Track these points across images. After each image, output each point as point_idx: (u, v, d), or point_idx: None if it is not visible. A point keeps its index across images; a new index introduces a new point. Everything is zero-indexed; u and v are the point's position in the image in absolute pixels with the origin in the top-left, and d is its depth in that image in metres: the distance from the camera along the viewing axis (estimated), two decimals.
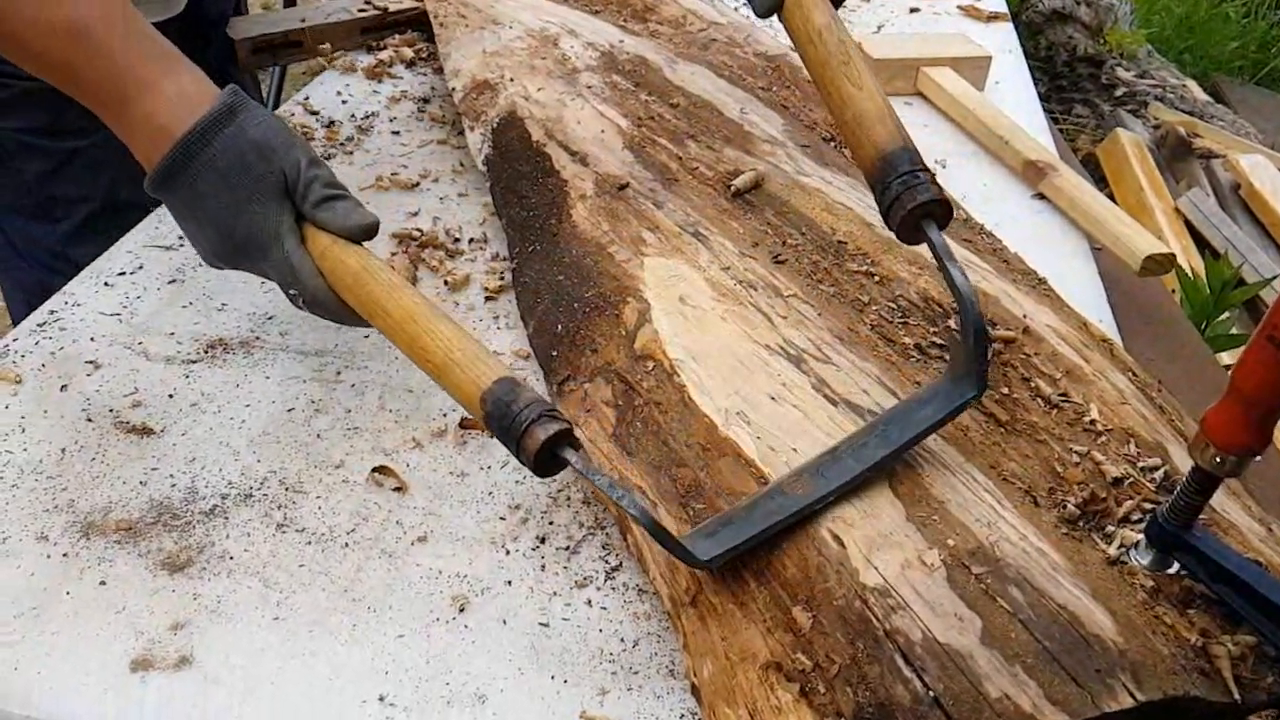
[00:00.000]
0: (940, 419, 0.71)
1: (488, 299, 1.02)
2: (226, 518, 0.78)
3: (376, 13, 1.52)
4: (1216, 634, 0.64)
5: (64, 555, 0.75)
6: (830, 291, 0.90)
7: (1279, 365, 0.57)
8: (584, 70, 1.21)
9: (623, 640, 0.71)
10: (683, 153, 1.07)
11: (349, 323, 0.77)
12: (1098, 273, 1.18)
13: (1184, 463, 0.77)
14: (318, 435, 0.85)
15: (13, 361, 0.92)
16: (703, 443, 0.77)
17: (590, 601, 0.73)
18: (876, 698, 0.61)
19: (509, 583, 0.74)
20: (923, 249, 0.91)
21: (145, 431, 0.85)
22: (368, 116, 1.34)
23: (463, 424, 0.87)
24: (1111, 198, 1.26)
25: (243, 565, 0.74)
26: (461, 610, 0.72)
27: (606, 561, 0.76)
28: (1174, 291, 1.71)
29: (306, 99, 1.36)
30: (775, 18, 0.86)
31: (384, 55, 1.49)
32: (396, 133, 1.31)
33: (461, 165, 1.24)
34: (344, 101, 1.37)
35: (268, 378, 0.91)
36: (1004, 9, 1.83)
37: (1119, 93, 3.18)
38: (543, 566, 0.75)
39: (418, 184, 1.20)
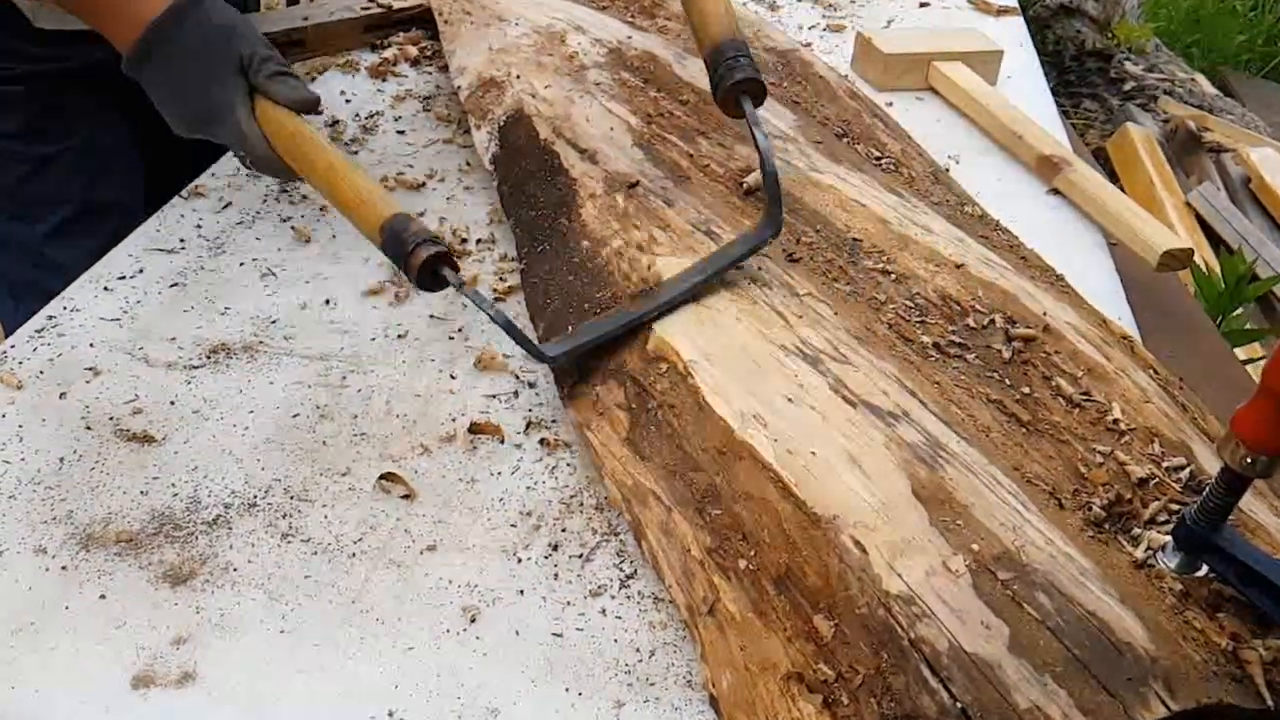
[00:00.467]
0: (745, 252, 0.88)
1: (497, 300, 1.00)
2: (230, 528, 0.76)
3: (380, 10, 1.50)
4: (1247, 638, 0.62)
5: (63, 568, 0.73)
6: (846, 290, 0.88)
7: None
8: (592, 67, 1.19)
9: (638, 650, 0.69)
10: (693, 150, 1.05)
11: (285, 177, 0.90)
12: (1115, 268, 1.15)
13: (1208, 462, 0.76)
14: (323, 442, 0.83)
15: (10, 369, 0.90)
16: (719, 446, 0.75)
17: (605, 611, 0.71)
18: (902, 709, 0.59)
19: (521, 592, 0.72)
20: (939, 241, 0.90)
21: (146, 439, 0.83)
22: (372, 116, 1.32)
23: (472, 429, 0.85)
24: (1121, 192, 1.24)
25: (247, 577, 0.72)
26: (473, 621, 0.70)
27: (621, 569, 0.74)
28: (1187, 286, 1.69)
29: None
30: None
31: (388, 53, 1.47)
32: (401, 132, 1.29)
33: (468, 164, 1.22)
34: (347, 101, 1.35)
35: (271, 383, 0.89)
36: (1014, 3, 1.81)
37: (1127, 87, 3.15)
38: (555, 575, 0.73)
39: (423, 184, 1.18)
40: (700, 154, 1.05)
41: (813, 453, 0.72)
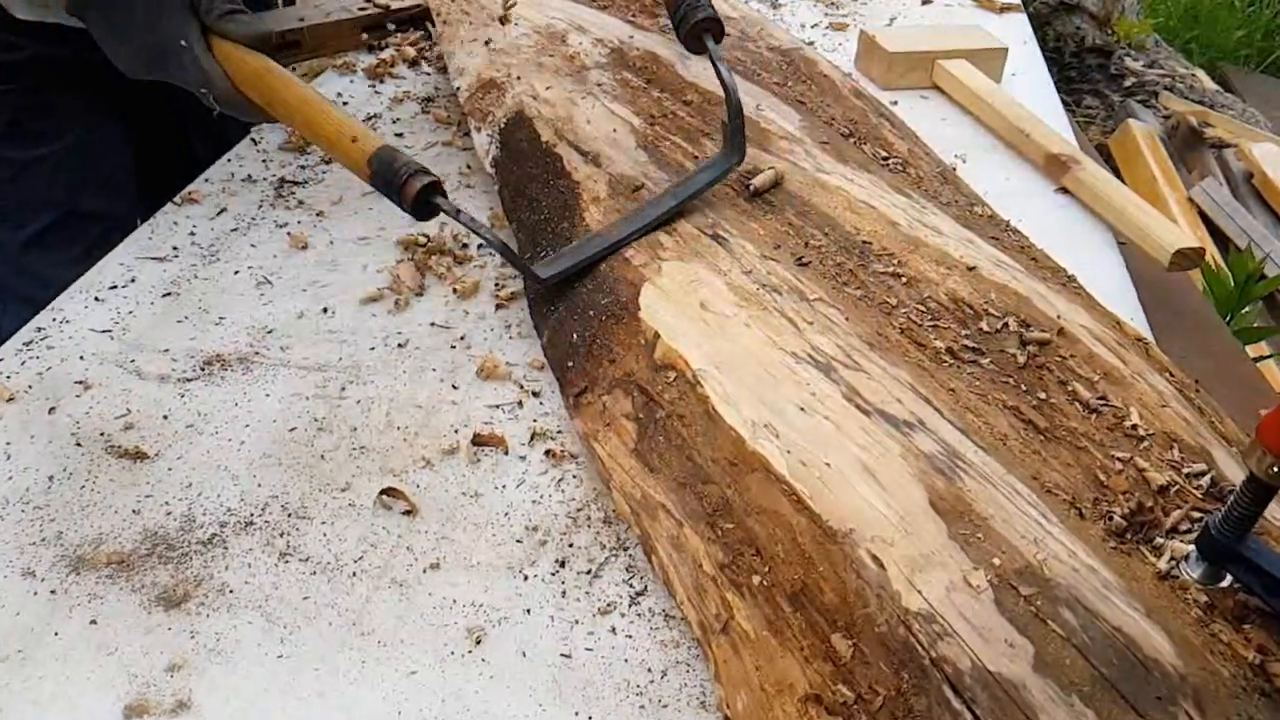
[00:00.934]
0: (715, 178, 0.94)
1: (499, 307, 0.98)
2: (225, 547, 0.73)
3: (377, 10, 1.47)
4: (1275, 651, 0.61)
5: (51, 592, 0.70)
6: (857, 294, 0.86)
7: None
8: (593, 67, 1.17)
9: (650, 671, 0.67)
10: (698, 151, 1.03)
11: (255, 117, 0.89)
12: (1126, 268, 1.13)
13: (1229, 467, 0.74)
14: (321, 456, 0.81)
15: None
16: (730, 458, 0.72)
17: (615, 629, 0.69)
18: None
19: (528, 611, 0.70)
20: (949, 243, 0.88)
21: (138, 456, 0.80)
22: (370, 118, 1.29)
23: (475, 440, 0.82)
24: (1131, 190, 1.22)
25: (243, 599, 0.70)
26: (478, 643, 0.68)
27: (631, 585, 0.72)
28: (1196, 284, 1.67)
29: None
30: None
31: (385, 54, 1.45)
32: (400, 135, 1.27)
33: (469, 168, 1.19)
34: (345, 103, 1.33)
35: (268, 395, 0.87)
36: None
37: (1128, 83, 3.13)
38: (563, 593, 0.71)
39: None
40: (705, 155, 1.03)
41: (827, 464, 0.69)
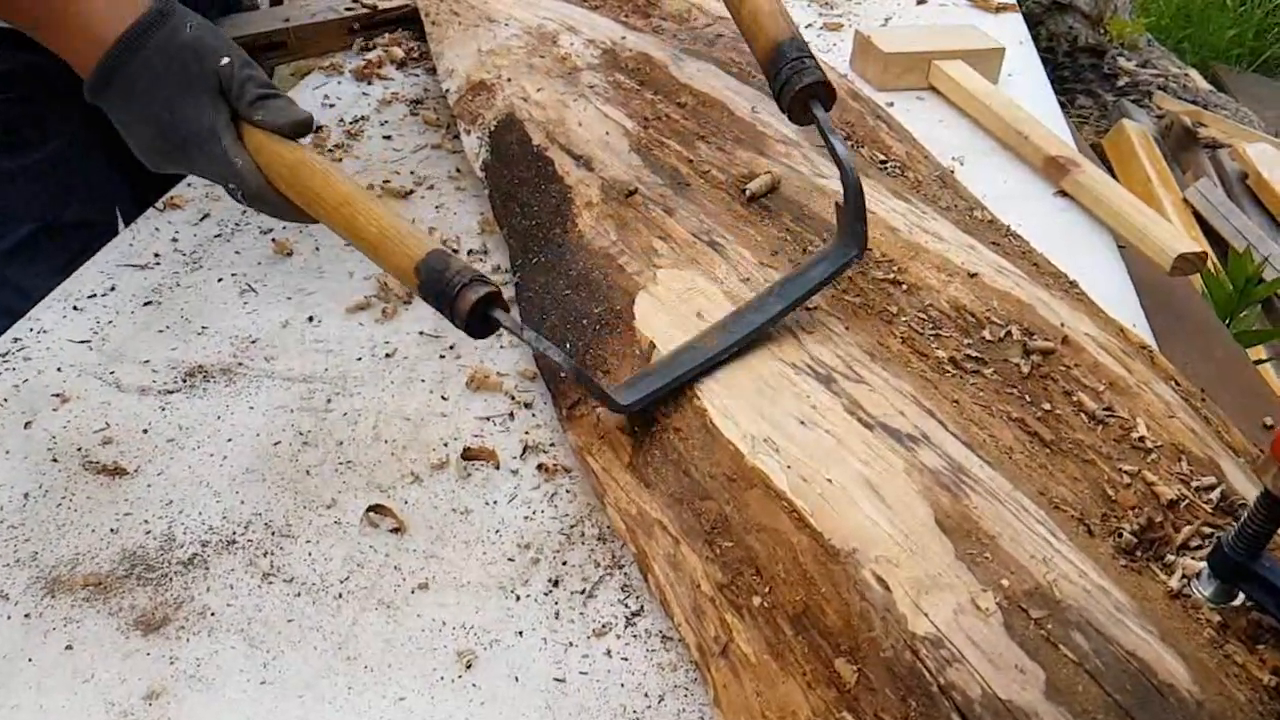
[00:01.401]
0: (829, 275, 0.80)
1: None
2: (207, 568, 0.71)
3: (365, 11, 1.45)
4: None
5: (25, 616, 0.68)
6: (856, 302, 0.84)
7: None
8: (585, 69, 1.14)
9: (647, 695, 0.65)
10: (693, 155, 1.01)
11: (289, 217, 0.79)
12: (1127, 272, 1.12)
13: (1238, 480, 0.73)
14: (306, 471, 0.78)
15: None
16: (728, 473, 0.70)
17: (610, 652, 0.67)
18: None
19: (520, 633, 0.68)
20: (950, 249, 0.86)
21: (117, 472, 0.78)
22: (357, 121, 1.27)
23: (465, 454, 0.80)
24: (1132, 194, 1.20)
25: (225, 622, 0.67)
26: (468, 667, 0.65)
27: (626, 605, 0.70)
28: (1196, 288, 1.65)
29: None
30: None
31: (373, 55, 1.43)
32: (388, 137, 1.24)
33: (458, 171, 1.17)
34: (331, 105, 1.30)
35: (252, 408, 0.84)
36: None
37: (1121, 83, 3.12)
38: (556, 614, 0.69)
39: (412, 191, 1.13)
40: (700, 159, 1.01)
41: (828, 480, 0.67)
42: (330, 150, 1.19)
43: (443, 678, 0.65)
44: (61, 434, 0.81)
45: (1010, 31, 1.66)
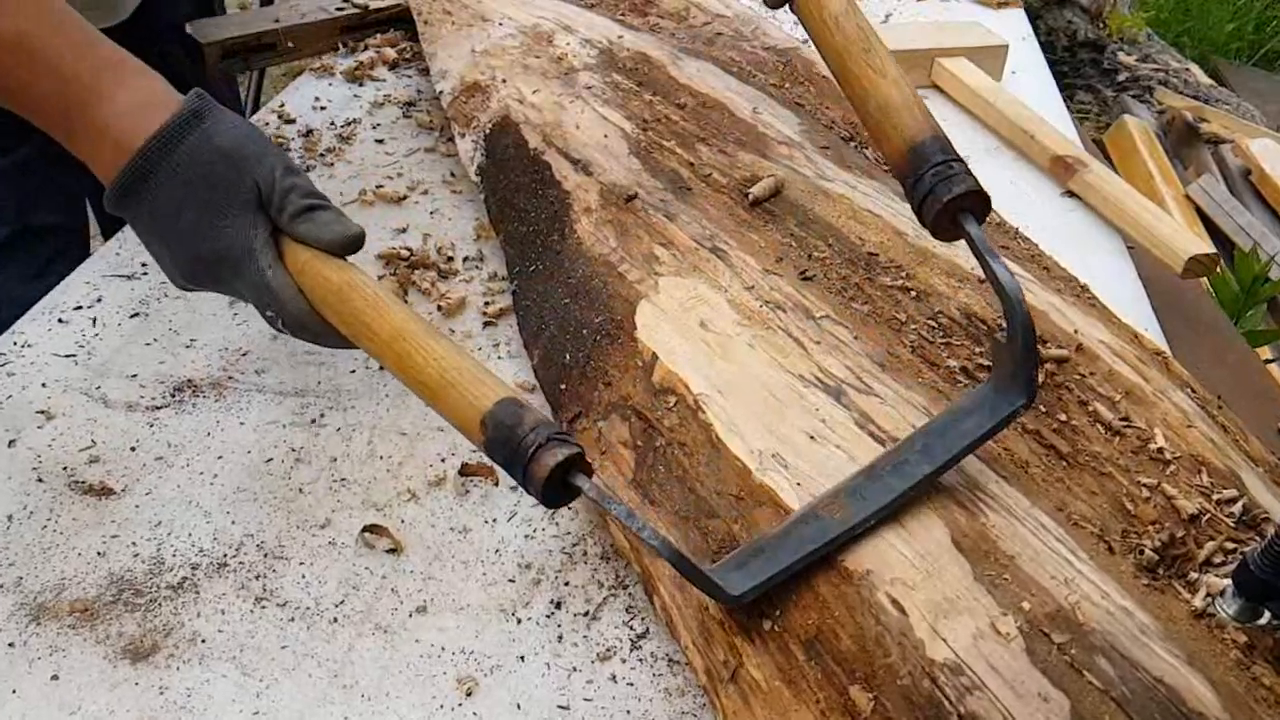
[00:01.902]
0: (988, 430, 0.65)
1: (486, 324, 0.93)
2: (197, 592, 0.68)
3: (356, 11, 1.43)
4: None
5: (10, 645, 0.65)
6: (864, 310, 0.82)
7: None
8: (582, 69, 1.12)
9: None
10: (694, 158, 0.98)
11: (334, 345, 0.70)
12: (1138, 275, 1.10)
13: (1259, 492, 0.71)
14: (300, 490, 0.76)
15: None
16: (735, 490, 0.68)
17: (615, 677, 0.65)
18: None
19: (522, 658, 0.65)
20: (960, 253, 0.85)
21: (104, 492, 0.75)
22: (349, 124, 1.24)
23: (463, 470, 0.78)
24: (1141, 194, 1.18)
25: (216, 649, 0.65)
26: (469, 694, 0.63)
27: (631, 628, 0.68)
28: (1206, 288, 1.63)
29: (281, 106, 1.26)
30: (787, 6, 0.84)
31: (365, 56, 1.40)
32: (381, 141, 1.22)
33: (453, 175, 1.14)
34: (322, 108, 1.27)
35: (243, 423, 0.82)
36: None
37: (1121, 78, 3.09)
38: (559, 637, 0.66)
39: (405, 197, 1.10)
40: (701, 162, 0.98)
41: None
42: (322, 155, 1.17)
43: (442, 706, 0.62)
44: (47, 452, 0.79)
45: (1013, 27, 1.64)
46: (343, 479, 0.77)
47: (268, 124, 1.22)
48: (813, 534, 0.62)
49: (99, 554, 0.71)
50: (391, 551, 0.72)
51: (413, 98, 1.31)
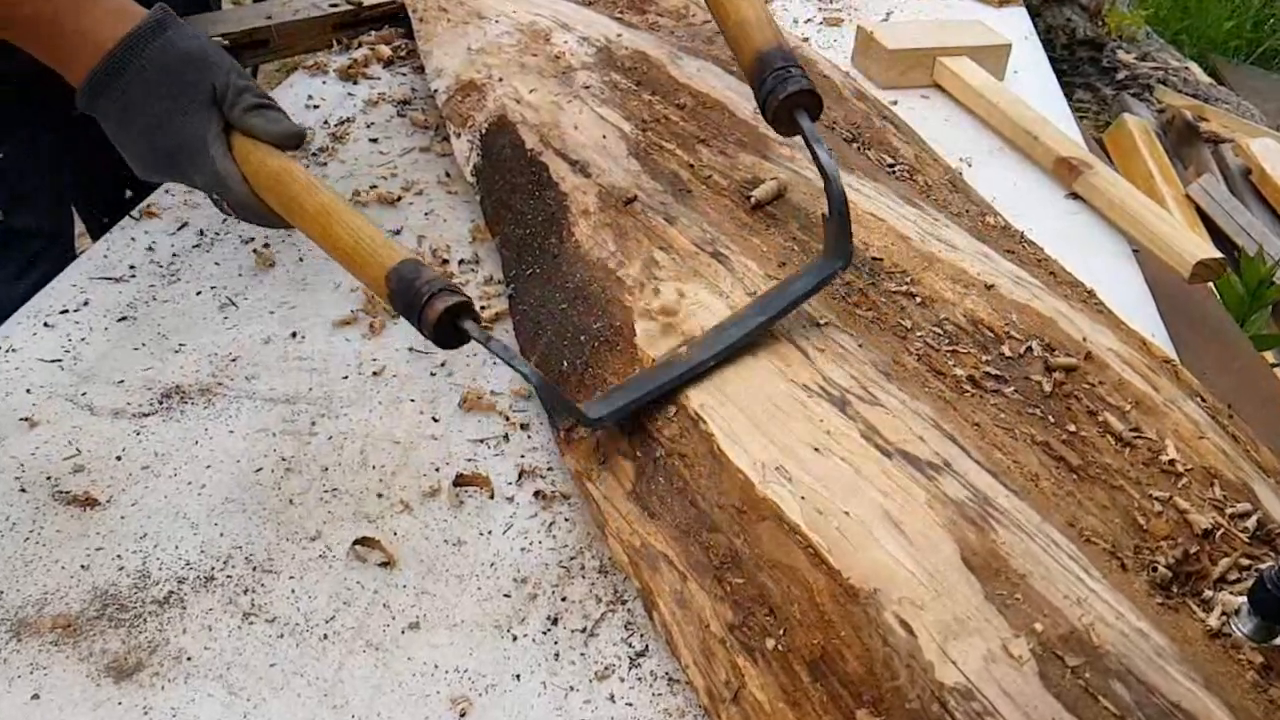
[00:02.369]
0: (813, 288, 0.77)
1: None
2: (183, 607, 0.66)
3: (350, 8, 1.40)
4: None
5: None
6: (868, 317, 0.80)
7: None
8: (580, 68, 1.10)
9: None
10: (694, 160, 0.96)
11: (270, 224, 0.79)
12: (1143, 278, 1.08)
13: (1273, 505, 0.70)
14: (290, 501, 0.74)
15: None
16: (738, 504, 0.66)
17: (613, 696, 0.63)
18: None
19: (517, 677, 0.63)
20: (965, 258, 0.82)
21: (88, 502, 0.73)
22: (342, 122, 1.22)
23: (458, 481, 0.76)
24: (1147, 196, 1.16)
25: (202, 667, 0.63)
26: (463, 715, 0.61)
27: (630, 645, 0.66)
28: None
29: None
30: None
31: (359, 54, 1.38)
32: (375, 140, 1.19)
33: (448, 175, 1.12)
34: (315, 106, 1.25)
35: (231, 431, 0.79)
36: None
37: (1120, 76, 3.08)
38: (556, 655, 0.65)
39: (400, 198, 1.08)
40: (701, 164, 0.96)
41: (846, 513, 0.63)
42: (315, 154, 1.14)
43: None
44: (30, 461, 0.77)
45: (1014, 26, 1.62)
46: (334, 489, 0.75)
47: None
48: (662, 374, 0.74)
49: (82, 567, 0.69)
50: (384, 565, 0.70)
51: (408, 96, 1.28)
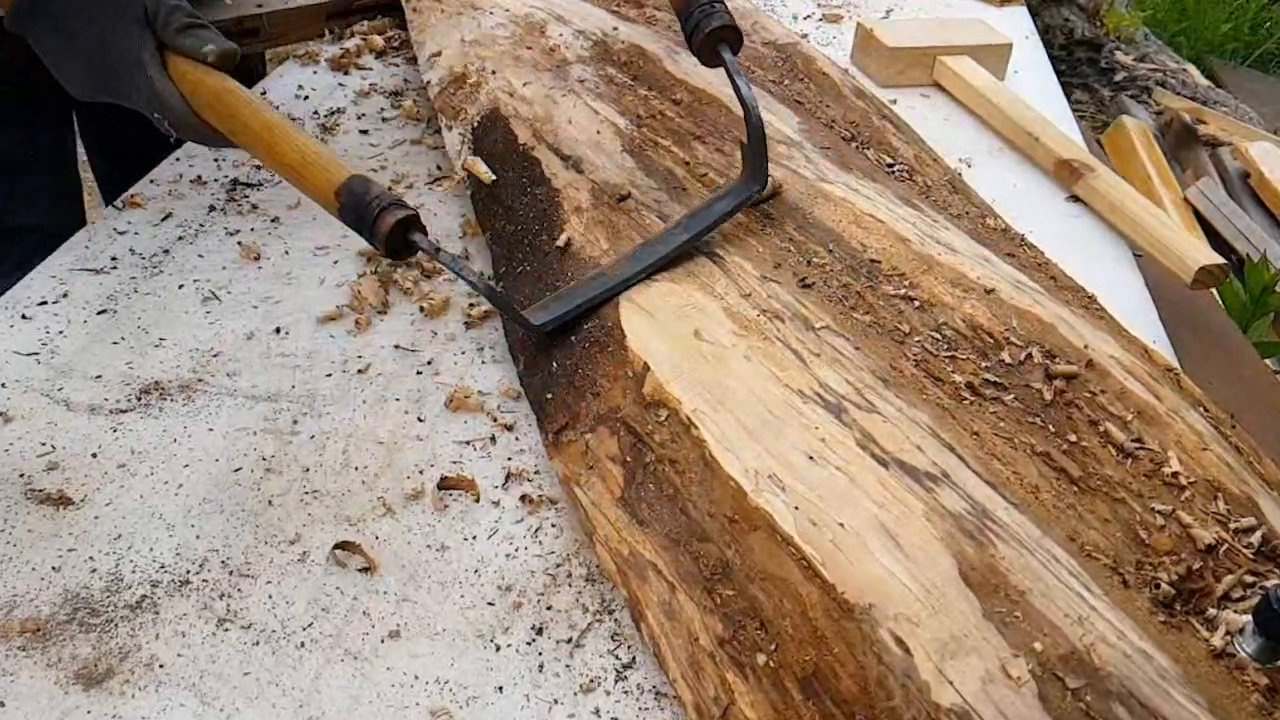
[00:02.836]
0: (732, 209, 0.84)
1: (470, 326, 0.89)
2: (156, 612, 0.64)
3: None
4: None
5: None
6: (866, 321, 0.78)
7: None
8: (575, 62, 1.08)
9: None
10: (690, 157, 0.94)
11: (213, 143, 0.80)
12: (1145, 284, 1.06)
13: (1278, 520, 0.67)
14: (269, 502, 0.72)
15: None
16: (729, 513, 0.64)
17: (599, 711, 0.61)
18: None
19: (500, 689, 0.61)
20: (964, 262, 0.80)
21: (62, 501, 0.71)
22: (333, 113, 1.20)
23: (443, 484, 0.74)
24: (1149, 200, 1.14)
25: (175, 675, 0.61)
26: None
27: (617, 656, 0.64)
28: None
29: (264, 94, 1.22)
30: None
31: (351, 44, 1.36)
32: (365, 131, 1.17)
33: (439, 169, 1.10)
34: (305, 97, 1.23)
35: (211, 429, 0.77)
36: None
37: (1118, 77, 3.06)
38: (540, 666, 0.63)
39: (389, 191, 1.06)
40: (697, 161, 0.94)
41: (840, 524, 0.61)
42: None
43: None
44: (2, 458, 0.74)
45: (1015, 25, 1.60)
46: (315, 491, 0.73)
47: None
48: (598, 285, 0.80)
49: (54, 569, 0.67)
50: (364, 571, 0.68)
51: (399, 88, 1.26)
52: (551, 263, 0.86)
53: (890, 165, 1.02)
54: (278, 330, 0.87)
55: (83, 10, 0.76)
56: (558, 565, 0.69)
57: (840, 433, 0.67)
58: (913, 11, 1.63)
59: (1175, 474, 0.68)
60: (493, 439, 0.78)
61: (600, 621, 0.66)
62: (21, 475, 0.73)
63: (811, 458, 0.66)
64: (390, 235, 0.70)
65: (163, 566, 0.67)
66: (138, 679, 0.61)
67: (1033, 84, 1.43)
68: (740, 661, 0.59)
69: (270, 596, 0.66)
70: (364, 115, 1.20)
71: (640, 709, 0.61)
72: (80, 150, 1.30)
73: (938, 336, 0.77)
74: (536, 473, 0.76)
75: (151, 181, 1.05)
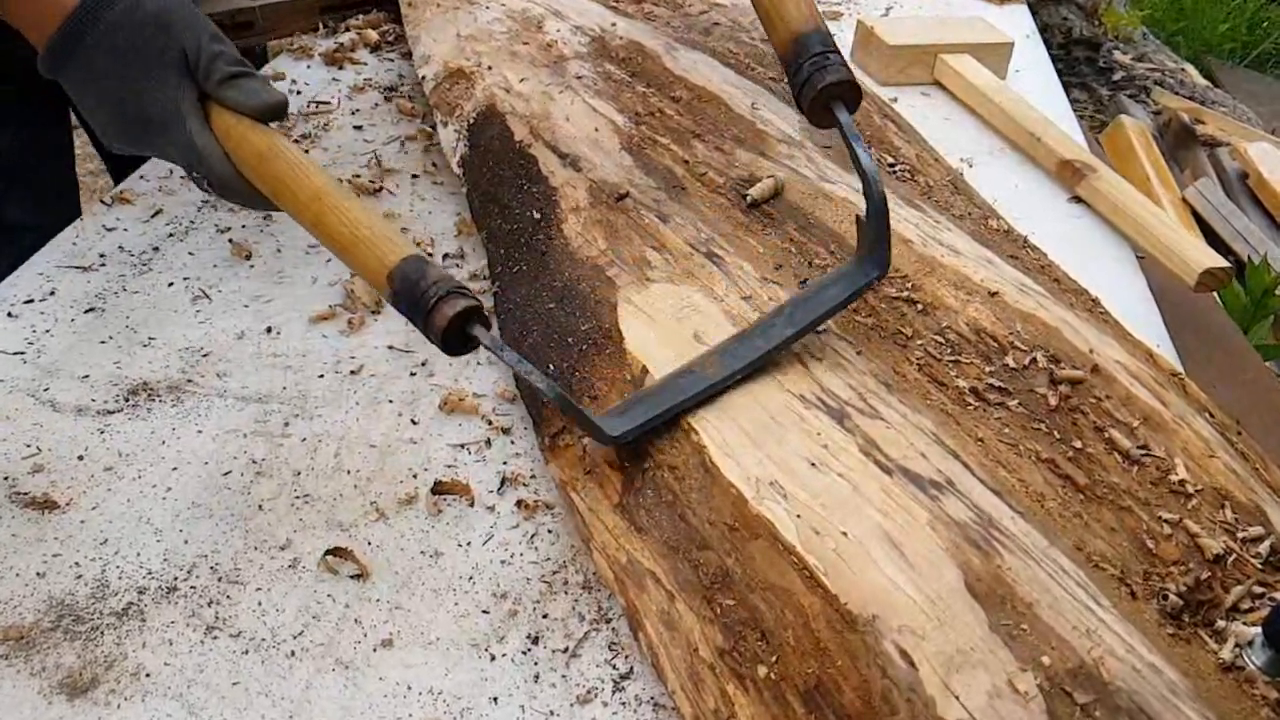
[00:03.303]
0: (847, 298, 0.73)
1: None
2: (143, 619, 0.63)
3: None
4: None
5: None
6: (868, 324, 0.77)
7: None
8: (573, 58, 1.06)
9: None
10: (689, 155, 0.93)
11: (256, 205, 0.73)
12: (1147, 286, 1.05)
13: None
14: (259, 506, 0.70)
15: None
16: (729, 520, 0.63)
17: None
18: None
19: (494, 700, 0.60)
20: (968, 264, 0.79)
21: (47, 505, 0.69)
22: (326, 108, 1.18)
23: (436, 488, 0.72)
24: (1152, 202, 1.13)
25: (162, 685, 0.59)
26: None
27: (614, 666, 0.63)
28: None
29: None
30: None
31: (345, 38, 1.34)
32: (359, 127, 1.16)
33: (434, 166, 1.09)
34: (298, 92, 1.21)
35: (200, 431, 0.76)
36: None
37: (1117, 77, 3.05)
38: (536, 677, 0.61)
39: (381, 188, 1.05)
40: (696, 160, 0.93)
41: (844, 533, 0.60)
42: (297, 141, 1.11)
43: None
44: None
45: (1017, 24, 1.59)
46: (306, 495, 0.71)
47: None
48: (687, 385, 0.69)
49: (38, 574, 0.65)
50: (356, 577, 0.66)
51: (394, 83, 1.25)
52: (549, 263, 0.85)
53: (892, 165, 1.01)
54: (269, 330, 0.86)
55: (117, 55, 0.69)
56: (554, 572, 0.68)
57: (843, 439, 0.66)
58: (913, 9, 1.61)
59: (1182, 482, 0.67)
60: (488, 442, 0.77)
61: (597, 630, 0.64)
62: (6, 478, 0.71)
63: (814, 464, 0.64)
64: (448, 330, 0.61)
65: (150, 572, 0.66)
66: (124, 688, 0.59)
67: (1034, 83, 1.42)
68: (741, 673, 0.58)
69: (260, 604, 0.64)
70: (358, 110, 1.18)
71: None
72: (78, 145, 1.28)
73: (941, 340, 0.75)
74: (533, 477, 0.74)
75: (141, 177, 1.04)
